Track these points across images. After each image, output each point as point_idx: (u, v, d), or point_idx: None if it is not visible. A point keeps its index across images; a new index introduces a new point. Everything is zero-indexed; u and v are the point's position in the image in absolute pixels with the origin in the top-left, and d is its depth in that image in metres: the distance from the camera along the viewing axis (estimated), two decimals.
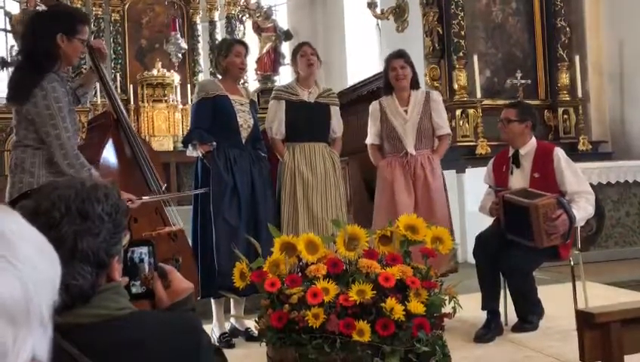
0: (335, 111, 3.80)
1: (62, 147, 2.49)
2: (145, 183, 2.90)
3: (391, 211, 3.52)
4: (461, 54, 5.99)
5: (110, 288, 1.09)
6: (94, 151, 2.79)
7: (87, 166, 2.56)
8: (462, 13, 6.04)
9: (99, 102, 8.60)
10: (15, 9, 9.47)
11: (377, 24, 7.61)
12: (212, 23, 10.26)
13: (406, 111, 3.67)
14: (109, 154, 2.85)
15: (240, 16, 10.42)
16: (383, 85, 3.83)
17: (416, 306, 2.00)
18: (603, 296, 3.57)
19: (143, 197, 2.79)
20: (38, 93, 2.48)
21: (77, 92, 2.89)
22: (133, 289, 1.31)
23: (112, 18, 9.91)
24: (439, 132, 3.73)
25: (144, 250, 1.34)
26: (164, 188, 3.05)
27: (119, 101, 2.98)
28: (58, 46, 2.55)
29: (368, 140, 3.80)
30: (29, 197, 1.09)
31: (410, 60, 3.72)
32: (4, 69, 9.21)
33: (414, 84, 3.72)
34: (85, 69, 8.72)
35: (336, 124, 3.79)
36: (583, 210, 3.17)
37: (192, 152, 3.43)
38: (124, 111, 2.97)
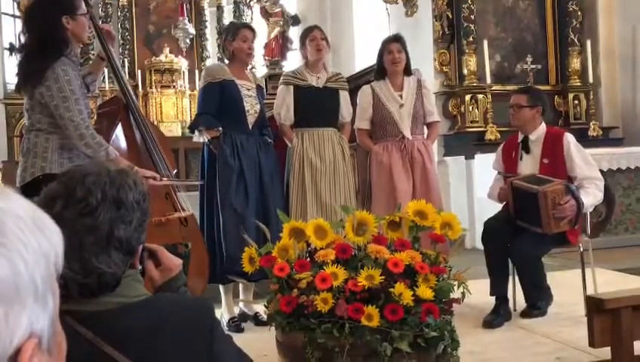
0: (344, 96, 3.78)
1: (77, 128, 2.52)
2: (154, 168, 2.90)
3: (390, 196, 3.53)
4: (471, 39, 5.93)
5: (130, 275, 1.10)
6: (104, 137, 2.78)
7: (104, 145, 2.60)
8: None
9: (107, 87, 8.61)
10: None
11: (386, 8, 7.53)
12: (220, 8, 10.22)
13: (400, 96, 3.68)
14: (118, 140, 2.85)
15: (248, 0, 10.38)
16: (375, 69, 3.83)
17: (425, 291, 2.00)
18: (612, 282, 3.55)
19: (164, 179, 2.82)
20: (50, 77, 2.50)
21: (85, 80, 2.88)
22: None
23: (120, 3, 9.90)
24: (430, 118, 3.78)
25: None
26: (174, 173, 3.04)
27: (128, 86, 2.97)
28: (65, 28, 2.58)
29: (358, 125, 3.77)
30: (52, 181, 1.08)
31: (406, 46, 3.73)
32: (13, 54, 9.23)
33: (407, 71, 3.73)
34: (93, 54, 8.74)
35: (345, 109, 3.77)
36: (592, 195, 3.15)
37: (199, 138, 3.41)
38: (133, 97, 2.96)
